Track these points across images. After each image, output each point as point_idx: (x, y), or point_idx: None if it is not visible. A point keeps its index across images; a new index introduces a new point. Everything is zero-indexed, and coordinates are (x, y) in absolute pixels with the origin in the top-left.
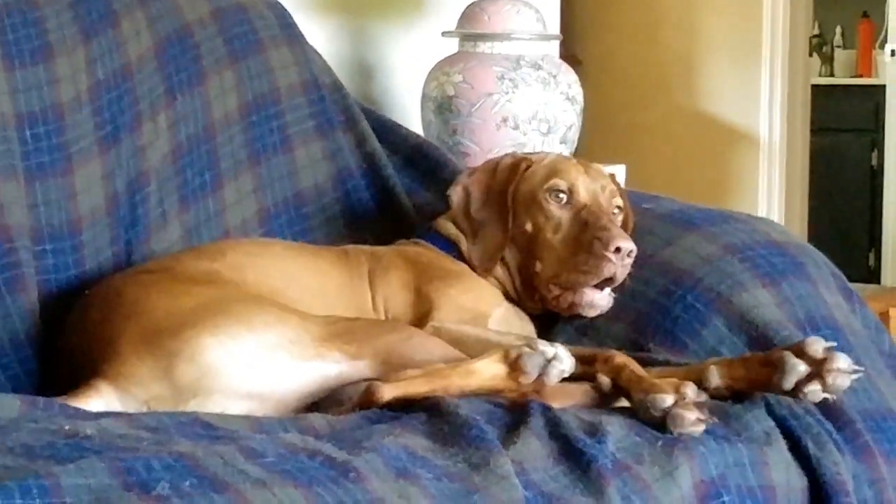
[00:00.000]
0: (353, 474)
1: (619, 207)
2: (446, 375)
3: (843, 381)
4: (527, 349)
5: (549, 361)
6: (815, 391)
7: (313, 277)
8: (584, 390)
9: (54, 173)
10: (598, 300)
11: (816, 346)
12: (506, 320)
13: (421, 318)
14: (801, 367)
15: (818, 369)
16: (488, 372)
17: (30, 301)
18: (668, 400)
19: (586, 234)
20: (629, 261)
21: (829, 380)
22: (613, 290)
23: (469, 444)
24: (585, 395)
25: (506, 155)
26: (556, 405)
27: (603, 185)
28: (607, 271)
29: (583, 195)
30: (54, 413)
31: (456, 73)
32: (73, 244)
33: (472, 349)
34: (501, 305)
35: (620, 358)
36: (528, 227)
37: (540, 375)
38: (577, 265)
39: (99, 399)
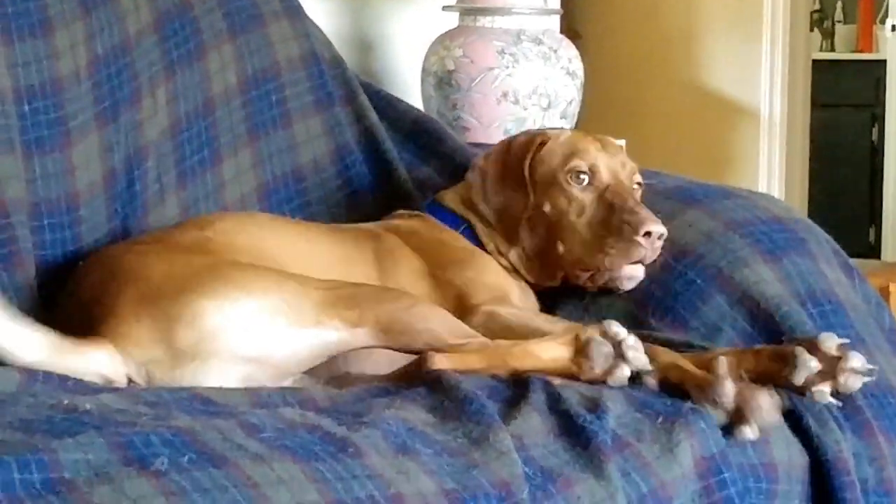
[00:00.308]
0: (353, 449)
1: (638, 183)
2: (502, 354)
3: (856, 383)
4: (598, 336)
5: (618, 352)
6: (822, 392)
7: (310, 254)
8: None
9: (52, 148)
10: (636, 271)
11: (830, 342)
12: (518, 297)
13: (451, 306)
14: (813, 364)
15: (830, 367)
16: (549, 354)
17: (27, 276)
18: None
19: (614, 218)
20: (660, 243)
21: (842, 379)
22: None
23: (469, 419)
24: None
25: (520, 133)
26: None
27: (623, 162)
28: (637, 255)
29: (605, 175)
30: (53, 387)
31: (456, 47)
32: (71, 219)
33: (519, 335)
34: (512, 281)
35: (665, 356)
36: (547, 208)
37: (605, 372)
38: (605, 248)
39: (103, 353)
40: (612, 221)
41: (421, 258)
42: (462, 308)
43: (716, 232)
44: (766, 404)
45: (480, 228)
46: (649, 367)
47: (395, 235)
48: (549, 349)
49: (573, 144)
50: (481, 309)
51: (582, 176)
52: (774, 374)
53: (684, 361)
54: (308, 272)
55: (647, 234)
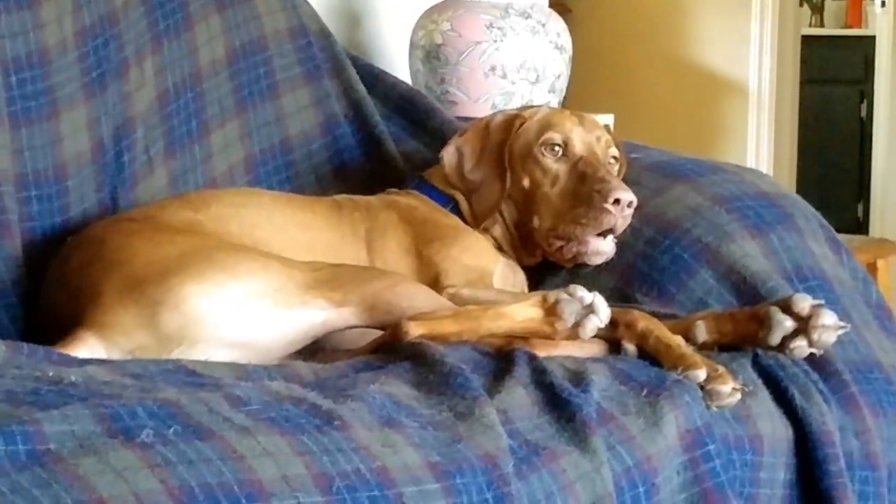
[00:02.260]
0: (338, 422)
1: (614, 158)
2: (476, 317)
3: (829, 338)
4: (565, 295)
5: (586, 311)
6: (801, 347)
7: (301, 230)
8: (601, 348)
9: (39, 118)
10: (603, 247)
11: (803, 302)
12: (503, 275)
13: (429, 283)
14: (788, 323)
15: (804, 325)
16: (521, 315)
17: (14, 247)
18: (700, 375)
19: (584, 187)
20: (629, 211)
21: (815, 336)
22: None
23: (454, 393)
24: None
25: (497, 112)
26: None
27: (598, 136)
28: (607, 223)
29: (578, 147)
30: (38, 359)
31: (444, 21)
32: (59, 190)
33: None
34: (499, 260)
35: (644, 321)
36: (525, 182)
37: (575, 325)
38: (577, 217)
39: (85, 349)
40: (584, 190)
41: (410, 234)
42: (436, 287)
43: (703, 207)
44: (727, 390)
45: (464, 207)
46: (609, 319)
47: (393, 211)
48: (521, 310)
49: (548, 119)
50: (446, 290)
51: (556, 148)
52: (751, 335)
53: (662, 331)
54: (301, 257)
55: (616, 201)
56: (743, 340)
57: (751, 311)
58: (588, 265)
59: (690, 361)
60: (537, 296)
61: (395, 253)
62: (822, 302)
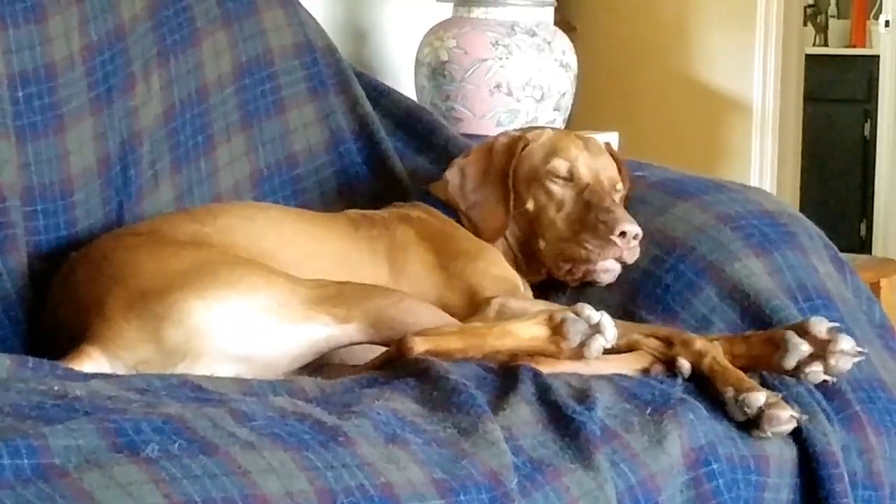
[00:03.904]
0: (343, 438)
1: (618, 189)
2: (481, 334)
3: (846, 364)
4: (571, 314)
5: (592, 330)
6: (816, 372)
7: (314, 244)
8: (632, 362)
9: (46, 133)
10: (612, 264)
11: (820, 326)
12: (523, 288)
13: (462, 298)
14: (804, 347)
15: (821, 350)
16: (527, 333)
17: (20, 261)
18: (762, 399)
19: (590, 216)
20: (635, 243)
21: (832, 361)
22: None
23: (458, 410)
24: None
25: (501, 134)
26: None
27: (604, 164)
28: (613, 254)
29: (584, 173)
30: (44, 373)
31: (450, 38)
32: (65, 205)
33: None
34: (516, 273)
35: (701, 343)
36: (530, 205)
37: (581, 345)
38: (582, 243)
39: (89, 363)
40: (589, 219)
41: (431, 251)
42: (474, 301)
43: (707, 225)
44: (785, 416)
45: (465, 225)
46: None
47: (408, 226)
48: (527, 328)
49: (554, 143)
50: (494, 301)
51: (562, 174)
52: (765, 359)
53: (718, 352)
54: (311, 272)
55: (623, 234)
56: (756, 363)
57: (766, 335)
58: (596, 282)
59: (748, 385)
60: (544, 314)
61: (420, 270)
62: (839, 325)
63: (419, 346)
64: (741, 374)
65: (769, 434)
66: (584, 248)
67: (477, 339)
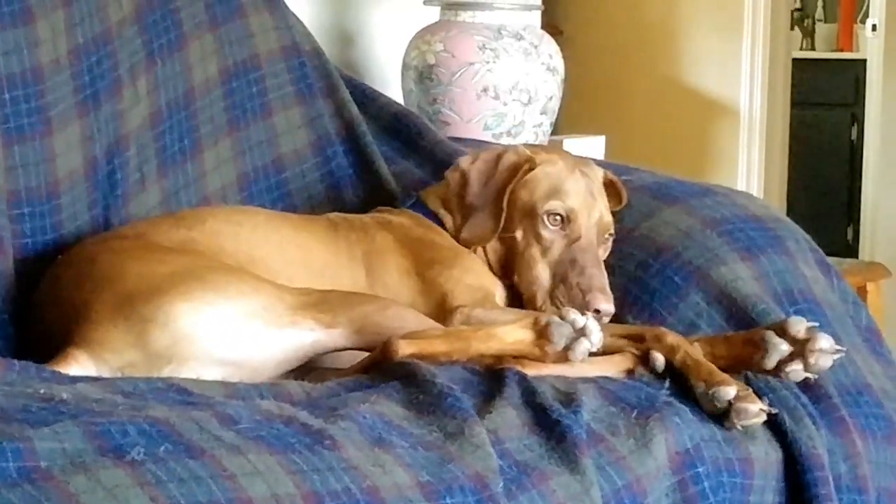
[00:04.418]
0: (329, 442)
1: (611, 234)
2: (466, 337)
3: (826, 362)
4: (556, 318)
5: (578, 334)
6: (796, 371)
7: (297, 249)
8: (616, 364)
9: (33, 136)
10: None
11: (799, 325)
12: (501, 296)
13: (434, 305)
14: (784, 347)
15: (800, 349)
16: (512, 337)
17: (6, 264)
18: (731, 392)
19: (571, 275)
20: (606, 320)
21: (812, 360)
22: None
23: (444, 413)
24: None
25: (510, 147)
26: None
27: (601, 208)
28: (579, 321)
29: (580, 225)
30: (30, 376)
31: (437, 41)
32: (51, 207)
33: None
34: (497, 282)
35: (672, 337)
36: (518, 235)
37: (566, 348)
38: (555, 296)
39: (76, 365)
40: (570, 279)
41: (408, 257)
42: (443, 309)
43: (694, 230)
44: (755, 409)
45: (449, 225)
46: (607, 343)
47: (388, 232)
48: (512, 332)
49: (560, 181)
50: (460, 310)
51: (558, 218)
52: (747, 359)
53: (690, 347)
54: (296, 277)
55: (597, 311)
56: (738, 363)
57: (746, 335)
58: None
59: (719, 378)
60: (529, 317)
61: (396, 276)
62: (818, 325)
63: (404, 349)
64: (713, 367)
65: (739, 427)
66: (555, 304)
67: (462, 343)
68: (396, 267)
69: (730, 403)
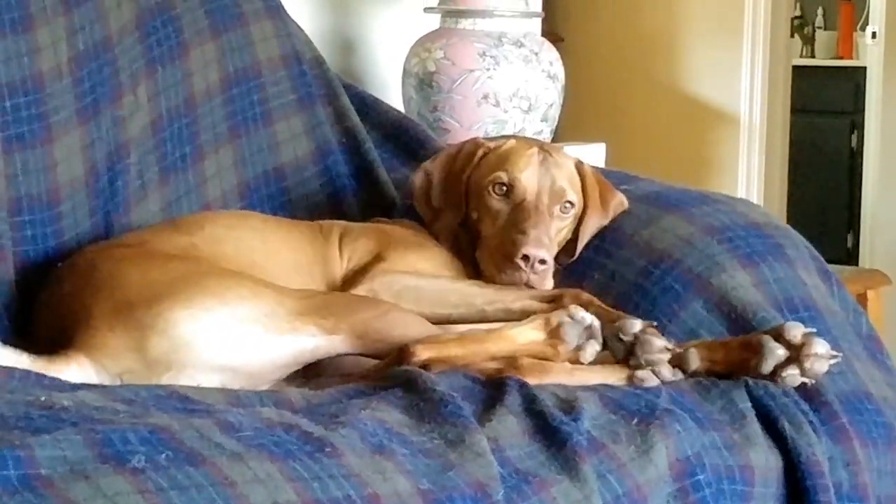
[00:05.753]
0: (329, 449)
1: (570, 202)
2: (480, 339)
3: (821, 367)
4: (567, 318)
5: (586, 332)
6: (793, 376)
7: (290, 251)
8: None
9: (33, 144)
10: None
11: (795, 330)
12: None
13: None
14: (780, 352)
15: (796, 354)
16: (524, 338)
17: (7, 272)
18: (637, 325)
19: (511, 231)
20: (542, 268)
21: (808, 365)
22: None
23: (445, 421)
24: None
25: (468, 140)
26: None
27: (556, 179)
28: (519, 279)
29: (524, 189)
30: (30, 384)
31: (437, 49)
32: (52, 215)
33: (425, 294)
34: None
35: (587, 295)
36: (474, 215)
37: (577, 348)
38: (499, 265)
39: (75, 368)
40: (507, 237)
41: (379, 241)
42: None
43: (694, 237)
44: (659, 344)
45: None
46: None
47: (367, 225)
48: (525, 333)
49: (507, 155)
50: (378, 267)
51: (502, 187)
52: (744, 363)
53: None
54: (291, 279)
55: (525, 257)
56: (735, 368)
57: (743, 340)
58: None
59: (626, 317)
60: (540, 318)
61: (359, 254)
62: (814, 330)
63: (421, 353)
64: (624, 314)
65: (642, 362)
66: (502, 272)
67: (476, 345)
68: (363, 248)
69: (636, 337)
